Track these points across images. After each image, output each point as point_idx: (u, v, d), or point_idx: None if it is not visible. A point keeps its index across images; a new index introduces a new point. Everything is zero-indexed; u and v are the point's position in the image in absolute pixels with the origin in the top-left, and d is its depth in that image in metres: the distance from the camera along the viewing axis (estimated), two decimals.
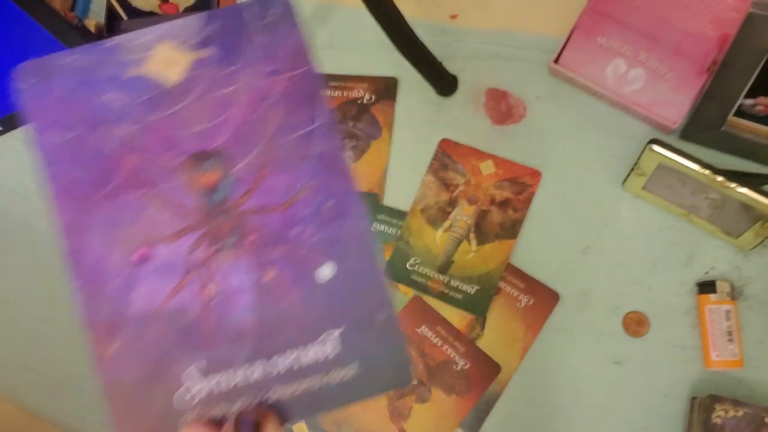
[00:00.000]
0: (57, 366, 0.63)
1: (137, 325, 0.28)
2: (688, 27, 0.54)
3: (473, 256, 0.57)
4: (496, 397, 0.55)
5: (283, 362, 0.28)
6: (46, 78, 0.29)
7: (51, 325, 0.64)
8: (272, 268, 0.28)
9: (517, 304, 0.56)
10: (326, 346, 0.28)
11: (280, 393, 0.28)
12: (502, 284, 0.56)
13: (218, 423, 0.27)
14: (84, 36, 0.63)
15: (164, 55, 0.29)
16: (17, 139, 0.67)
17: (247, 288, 0.28)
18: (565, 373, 0.55)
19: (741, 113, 0.52)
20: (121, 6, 0.66)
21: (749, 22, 0.51)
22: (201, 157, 0.28)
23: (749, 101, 0.52)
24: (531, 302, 0.56)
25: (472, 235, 0.57)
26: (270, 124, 0.29)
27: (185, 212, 0.28)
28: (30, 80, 0.29)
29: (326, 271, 0.28)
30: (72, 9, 0.68)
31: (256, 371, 0.28)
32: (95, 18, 0.68)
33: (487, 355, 0.55)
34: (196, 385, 0.27)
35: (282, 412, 0.27)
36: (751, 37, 0.50)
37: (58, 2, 0.67)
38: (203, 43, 0.29)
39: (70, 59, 0.29)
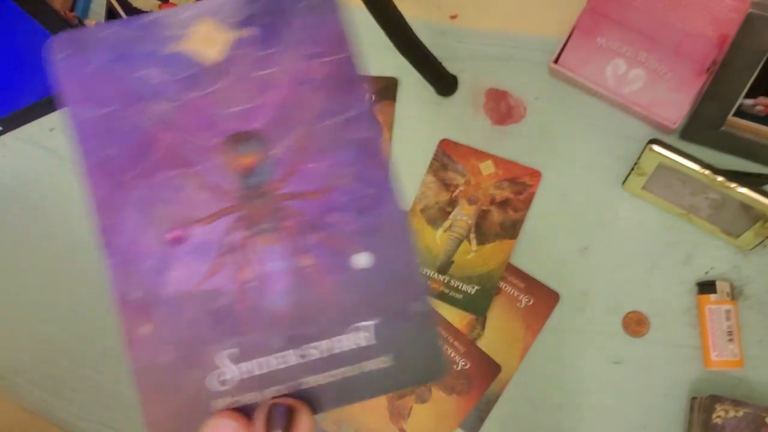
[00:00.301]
0: (57, 366, 0.63)
1: (171, 307, 0.27)
2: (687, 27, 0.54)
3: (473, 256, 0.57)
4: (497, 397, 0.55)
5: (316, 351, 0.27)
6: (81, 50, 0.28)
7: (51, 325, 0.64)
8: (308, 255, 0.28)
9: (518, 304, 0.56)
10: (360, 336, 0.27)
11: (312, 382, 0.27)
12: (502, 284, 0.56)
13: (247, 412, 0.27)
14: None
15: (204, 33, 0.28)
16: (17, 138, 0.67)
17: (282, 273, 0.27)
18: (565, 373, 0.55)
19: (741, 113, 0.52)
20: (121, 6, 0.66)
21: (749, 22, 0.51)
22: (239, 139, 0.28)
23: (749, 101, 0.52)
24: (531, 302, 0.56)
25: (472, 235, 0.57)
26: (309, 108, 0.28)
27: (222, 194, 0.28)
28: (64, 52, 0.28)
29: (363, 260, 0.28)
30: (72, 9, 0.68)
31: (289, 359, 0.27)
32: (95, 18, 0.68)
33: (488, 355, 0.55)
34: (228, 369, 0.27)
35: (314, 401, 0.27)
36: (750, 38, 0.51)
37: (59, 2, 0.67)
38: (244, 23, 0.28)
39: (108, 32, 0.28)
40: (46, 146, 0.66)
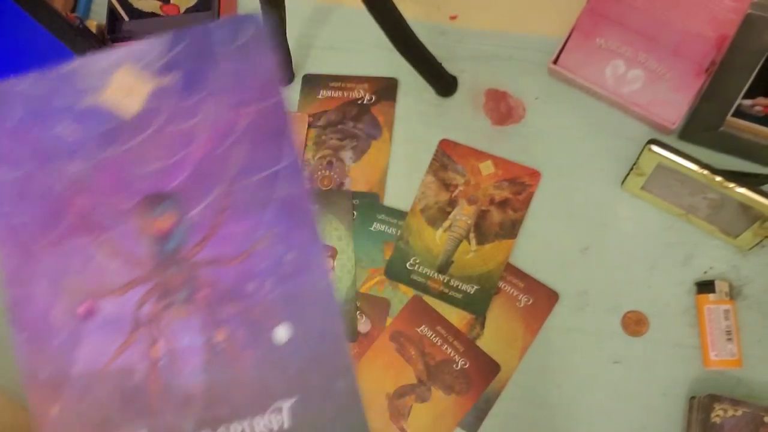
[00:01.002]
0: None
1: (81, 386, 0.25)
2: (686, 28, 0.55)
3: (473, 256, 0.57)
4: (496, 396, 0.55)
5: None
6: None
7: None
8: (224, 328, 0.25)
9: (517, 304, 0.56)
10: (276, 418, 0.25)
11: None
12: (501, 284, 0.56)
13: None
14: (85, 37, 0.63)
15: (123, 83, 0.26)
16: None
17: (196, 349, 0.25)
18: (565, 373, 0.55)
19: (739, 113, 0.52)
20: (123, 7, 0.66)
21: (748, 22, 0.51)
22: (155, 200, 0.26)
23: (748, 102, 0.52)
24: (530, 302, 0.56)
25: (471, 235, 0.57)
26: (232, 163, 0.26)
27: (135, 262, 0.26)
28: None
29: (282, 333, 0.26)
30: (73, 10, 0.69)
31: None
32: (97, 19, 0.68)
33: (487, 355, 0.55)
34: None
35: None
36: (749, 38, 0.51)
37: (60, 3, 0.67)
38: (167, 68, 0.26)
39: (21, 87, 0.26)
40: None
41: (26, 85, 0.26)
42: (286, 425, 0.25)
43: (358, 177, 0.61)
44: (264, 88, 0.26)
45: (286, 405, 0.25)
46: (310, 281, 0.26)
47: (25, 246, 0.26)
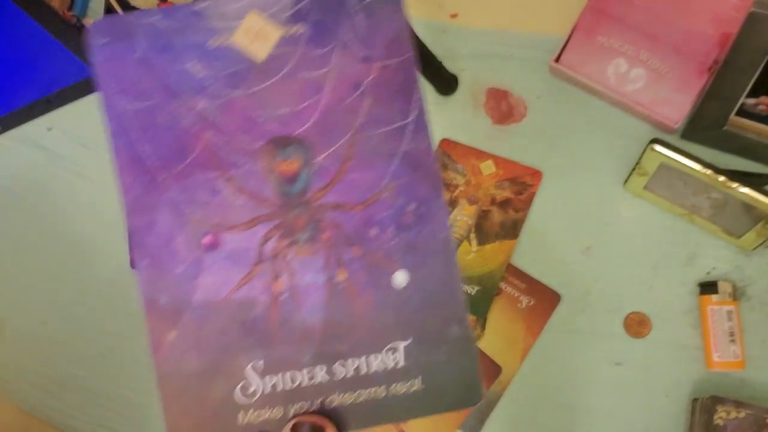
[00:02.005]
0: (57, 366, 0.63)
1: (200, 314, 0.26)
2: (689, 26, 0.54)
3: (474, 257, 0.57)
4: (497, 398, 0.55)
5: (345, 369, 0.26)
6: (123, 38, 0.26)
7: (51, 326, 0.64)
8: (345, 269, 0.27)
9: (518, 305, 0.55)
10: (392, 356, 0.26)
11: (339, 400, 0.26)
12: (502, 285, 0.56)
13: (272, 429, 0.26)
14: (83, 35, 0.62)
15: (254, 27, 0.26)
16: (14, 139, 0.66)
17: (317, 287, 0.27)
18: (567, 374, 0.54)
19: (743, 113, 0.52)
20: (120, 5, 0.66)
21: (751, 20, 0.50)
22: (282, 143, 0.27)
23: (751, 100, 0.51)
24: (532, 303, 0.55)
25: (472, 236, 0.57)
26: (359, 114, 0.27)
27: (261, 200, 0.27)
28: (105, 38, 0.26)
29: (401, 278, 0.27)
30: (70, 8, 0.68)
31: (317, 375, 0.26)
32: (94, 17, 0.68)
33: (488, 356, 0.55)
34: (254, 382, 0.26)
35: (340, 421, 0.26)
36: (752, 36, 0.50)
37: (57, 1, 0.66)
38: (296, 18, 0.27)
39: (153, 20, 0.26)
40: (43, 146, 0.66)
41: (157, 18, 0.26)
42: (400, 364, 0.26)
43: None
44: (394, 45, 0.27)
45: (402, 345, 0.26)
46: (429, 232, 0.27)
47: (149, 175, 0.26)
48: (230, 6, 0.27)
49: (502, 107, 0.60)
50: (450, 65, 0.60)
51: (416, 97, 0.27)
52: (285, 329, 0.26)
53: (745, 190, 0.49)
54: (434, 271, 0.27)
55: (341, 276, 0.27)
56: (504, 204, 0.57)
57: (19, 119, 0.66)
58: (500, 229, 0.57)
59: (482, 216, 0.57)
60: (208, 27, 0.27)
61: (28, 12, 0.59)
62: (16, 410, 0.63)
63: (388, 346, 0.26)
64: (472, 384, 0.27)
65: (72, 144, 0.65)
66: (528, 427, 0.55)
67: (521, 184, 0.57)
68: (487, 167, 0.58)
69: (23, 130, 0.66)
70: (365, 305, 0.26)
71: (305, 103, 0.27)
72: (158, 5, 0.66)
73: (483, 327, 0.56)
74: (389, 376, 0.26)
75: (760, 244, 0.52)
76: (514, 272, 0.56)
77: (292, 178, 0.27)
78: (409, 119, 0.27)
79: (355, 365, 0.26)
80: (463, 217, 0.57)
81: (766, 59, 0.50)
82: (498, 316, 0.56)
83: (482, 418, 0.55)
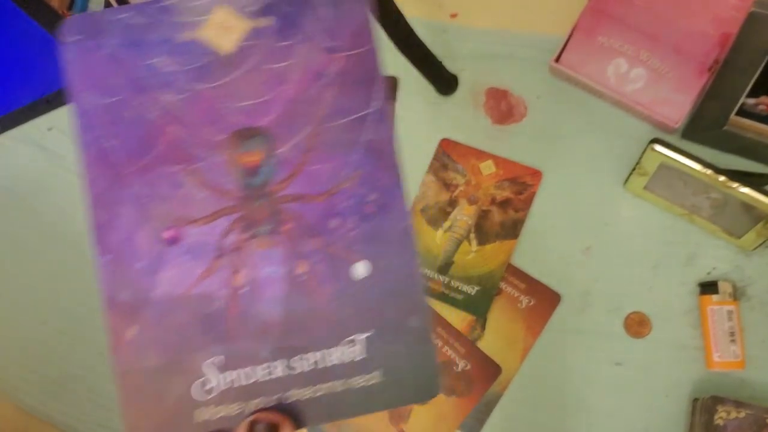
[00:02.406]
0: (56, 366, 0.63)
1: (160, 309, 0.26)
2: (689, 26, 0.54)
3: (474, 257, 0.57)
4: (497, 398, 0.55)
5: (305, 363, 0.26)
6: (92, 35, 0.27)
7: (50, 326, 0.63)
8: (306, 261, 0.26)
9: (518, 305, 0.55)
10: (351, 349, 0.26)
11: (298, 395, 0.26)
12: (502, 285, 0.56)
13: (229, 427, 0.26)
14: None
15: (221, 21, 0.27)
16: (14, 138, 0.66)
17: (277, 279, 0.26)
18: (567, 374, 0.54)
19: (743, 112, 0.52)
20: (119, 4, 0.66)
21: (751, 20, 0.50)
22: (245, 135, 0.27)
23: (751, 100, 0.51)
24: (532, 303, 0.55)
25: (472, 236, 0.57)
26: (322, 105, 0.27)
27: (223, 192, 0.27)
28: (75, 36, 0.27)
29: (361, 269, 0.26)
30: (70, 8, 0.68)
31: (276, 370, 0.26)
32: None
33: (488, 356, 0.55)
34: (213, 378, 0.26)
35: (299, 416, 0.26)
36: (752, 36, 0.50)
37: (57, 1, 0.66)
38: (262, 12, 0.27)
39: (121, 16, 0.27)
40: (43, 146, 0.66)
41: (125, 15, 0.27)
42: (359, 357, 0.26)
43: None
44: (357, 36, 0.27)
45: (361, 338, 0.26)
46: (390, 222, 0.27)
47: (115, 169, 0.26)
48: (197, 2, 0.27)
49: (502, 107, 0.60)
50: (450, 65, 0.59)
51: (378, 88, 0.27)
52: (244, 323, 0.26)
53: (745, 190, 0.49)
54: (395, 261, 0.27)
55: (301, 268, 0.27)
56: (504, 204, 0.57)
57: (19, 119, 0.66)
58: (500, 229, 0.57)
59: (482, 216, 0.57)
60: (177, 22, 0.27)
61: (28, 12, 0.59)
62: (15, 410, 0.63)
63: (347, 339, 0.26)
64: (430, 376, 0.27)
65: (72, 144, 0.65)
66: (528, 427, 0.55)
67: (521, 184, 0.57)
68: (487, 167, 0.58)
69: (23, 130, 0.66)
70: (325, 297, 0.26)
71: (269, 95, 0.27)
72: None
73: (483, 327, 0.56)
74: (348, 369, 0.26)
75: (760, 244, 0.52)
76: (514, 272, 0.56)
77: (253, 170, 0.27)
78: (371, 109, 0.27)
79: (314, 359, 0.26)
80: (463, 217, 0.57)
81: (766, 59, 0.50)
82: (498, 316, 0.56)
83: (482, 418, 0.54)
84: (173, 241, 0.26)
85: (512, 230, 0.57)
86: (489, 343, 0.55)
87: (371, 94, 0.27)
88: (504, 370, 0.54)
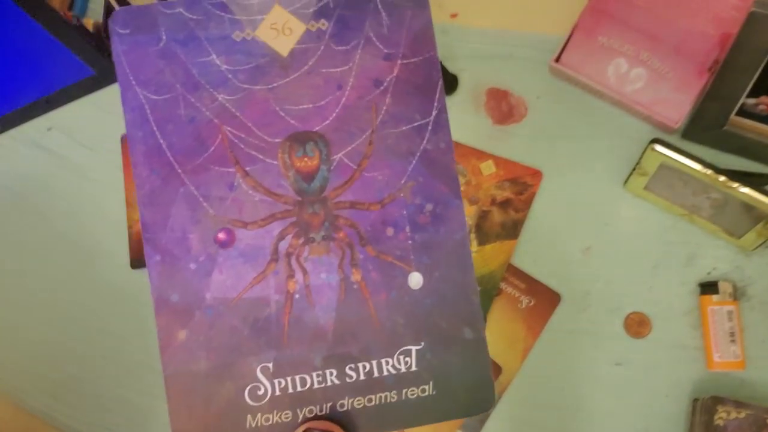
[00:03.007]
0: (57, 367, 0.63)
1: (212, 313, 0.26)
2: (689, 26, 0.54)
3: (474, 257, 0.57)
4: (498, 398, 0.55)
5: (357, 372, 0.26)
6: (147, 28, 0.26)
7: (51, 326, 0.63)
8: (360, 269, 0.26)
9: (518, 305, 0.55)
10: (404, 360, 0.26)
11: (350, 404, 0.26)
12: (503, 285, 0.56)
13: None
14: (82, 35, 0.62)
15: (278, 21, 0.26)
16: (14, 138, 0.66)
17: (331, 286, 0.26)
18: (567, 375, 0.54)
19: (743, 112, 0.52)
20: (120, 5, 0.66)
21: (751, 20, 0.50)
22: (301, 139, 0.26)
23: (751, 100, 0.51)
24: (532, 303, 0.55)
25: (472, 236, 0.57)
26: (379, 112, 0.26)
27: (277, 197, 0.26)
28: (127, 28, 0.26)
29: (416, 279, 0.26)
30: (70, 8, 0.68)
31: (328, 378, 0.26)
32: (93, 17, 0.68)
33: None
34: (264, 384, 0.26)
35: (350, 425, 0.26)
36: (753, 36, 0.50)
37: (57, 1, 0.66)
38: (320, 13, 0.26)
39: (176, 11, 0.26)
40: (43, 146, 0.66)
41: (178, 9, 0.26)
42: (412, 368, 0.26)
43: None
44: (417, 43, 0.26)
45: (415, 348, 0.26)
46: (446, 233, 0.26)
47: (168, 167, 0.26)
48: (256, 0, 0.27)
49: (502, 107, 0.60)
50: (450, 65, 0.59)
51: (438, 96, 0.27)
52: (297, 330, 0.26)
53: (746, 190, 0.49)
54: (449, 272, 0.26)
55: (356, 276, 0.26)
56: (504, 204, 0.57)
57: (19, 119, 0.66)
58: (500, 229, 0.57)
59: (482, 216, 0.57)
60: (231, 20, 0.26)
61: (28, 12, 0.59)
62: (16, 411, 0.63)
63: (400, 350, 0.26)
64: (484, 389, 0.26)
65: (72, 144, 0.65)
66: (528, 427, 0.55)
67: (521, 184, 0.57)
68: (487, 167, 0.58)
69: (23, 129, 0.66)
70: (379, 306, 0.26)
71: (326, 100, 0.26)
72: None
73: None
74: (401, 380, 0.26)
75: (761, 244, 0.52)
76: (514, 272, 0.56)
77: (309, 176, 0.26)
78: (430, 118, 0.27)
79: (366, 369, 0.26)
80: None
81: (766, 59, 0.50)
82: (498, 316, 0.56)
83: (482, 418, 0.55)
84: (226, 244, 0.26)
85: (512, 230, 0.57)
86: (489, 344, 0.55)
87: (431, 103, 0.27)
88: (504, 370, 0.55)
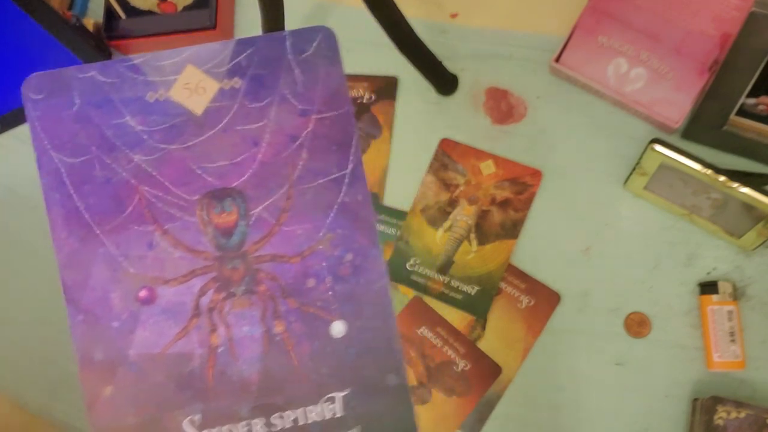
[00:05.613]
0: (56, 365, 0.63)
1: (136, 369, 0.26)
2: (689, 26, 0.54)
3: (474, 257, 0.57)
4: (497, 398, 0.55)
5: (284, 420, 0.26)
6: (61, 92, 0.26)
7: (51, 325, 0.63)
8: (282, 321, 0.26)
9: (518, 305, 0.55)
10: (329, 407, 0.26)
11: None
12: (502, 285, 0.56)
13: None
14: (82, 35, 0.62)
15: (191, 81, 0.27)
16: (15, 138, 0.66)
17: (254, 339, 0.26)
18: (567, 374, 0.54)
19: (743, 112, 0.52)
20: (120, 5, 0.66)
21: (751, 21, 0.50)
22: (219, 196, 0.26)
23: (751, 100, 0.51)
24: (532, 303, 0.55)
25: (472, 236, 0.57)
26: (296, 166, 0.27)
27: (197, 253, 0.26)
28: (42, 92, 0.26)
29: (338, 329, 0.27)
30: (70, 8, 0.68)
31: (256, 427, 0.26)
32: (93, 17, 0.68)
33: (488, 356, 0.55)
34: None
35: None
36: (752, 36, 0.50)
37: (57, 1, 0.66)
38: (233, 72, 0.27)
39: (90, 74, 0.26)
40: None
41: (92, 72, 0.26)
42: (338, 415, 0.26)
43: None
44: (332, 99, 0.27)
45: (339, 396, 0.26)
46: (367, 282, 0.27)
47: (85, 230, 0.26)
48: (167, 60, 0.27)
49: (502, 107, 0.60)
50: (450, 65, 0.59)
51: (354, 150, 0.27)
52: (222, 382, 0.26)
53: (746, 190, 0.49)
54: (371, 321, 0.27)
55: (278, 328, 0.27)
56: (504, 204, 0.57)
57: (19, 119, 0.66)
58: (500, 229, 0.57)
59: (482, 216, 0.57)
60: (145, 81, 0.27)
61: (28, 12, 0.59)
62: (14, 408, 0.63)
63: (325, 397, 0.26)
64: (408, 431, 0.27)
65: None
66: (528, 428, 0.55)
67: (521, 184, 0.57)
68: (487, 167, 0.58)
69: (23, 129, 0.66)
70: (302, 357, 0.26)
71: (242, 156, 0.27)
72: (158, 5, 0.66)
73: (483, 327, 0.56)
74: (327, 426, 0.26)
75: (760, 244, 0.52)
76: (514, 272, 0.56)
77: (228, 231, 0.27)
78: (347, 170, 0.27)
79: (293, 417, 0.26)
80: (462, 216, 0.57)
81: (766, 59, 0.50)
82: (498, 316, 0.56)
83: (482, 418, 0.54)
84: (148, 301, 0.26)
85: (512, 230, 0.57)
86: (489, 343, 0.55)
87: (346, 156, 0.27)
88: (504, 370, 0.54)
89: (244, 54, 0.27)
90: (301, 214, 0.27)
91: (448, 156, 0.59)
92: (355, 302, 0.27)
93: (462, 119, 0.60)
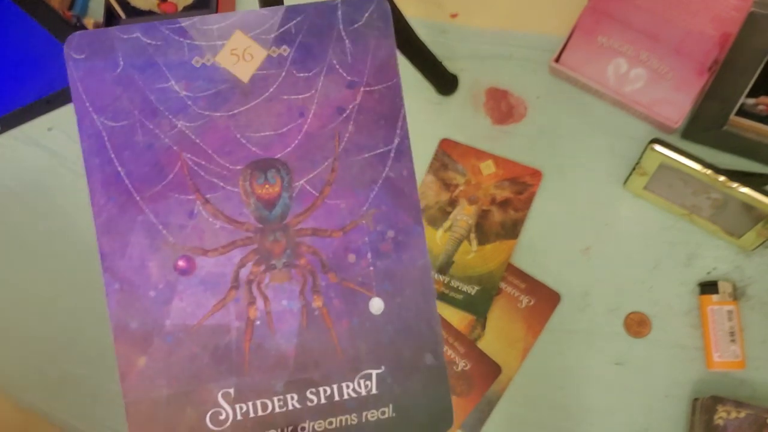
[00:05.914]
0: (56, 365, 0.63)
1: (172, 340, 0.25)
2: (689, 26, 0.54)
3: (474, 257, 0.57)
4: (497, 398, 0.55)
5: (317, 397, 0.26)
6: (104, 53, 0.25)
7: (51, 325, 0.63)
8: (322, 295, 0.26)
9: (518, 305, 0.55)
10: (364, 384, 0.26)
11: (311, 427, 0.26)
12: (502, 284, 0.56)
13: None
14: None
15: (240, 47, 0.26)
16: (15, 138, 0.66)
17: (292, 313, 0.26)
18: (567, 374, 0.54)
19: (743, 113, 0.52)
20: (120, 5, 0.66)
21: (751, 21, 0.50)
22: (262, 166, 0.26)
23: (751, 100, 0.51)
24: (532, 303, 0.55)
25: (472, 235, 0.57)
26: (342, 139, 0.26)
27: (238, 224, 0.26)
28: (84, 52, 0.25)
29: (377, 306, 0.26)
30: (70, 8, 0.68)
31: (289, 403, 0.26)
32: (94, 17, 0.68)
33: (488, 356, 0.55)
34: (225, 409, 0.26)
35: None
36: (752, 36, 0.50)
37: (57, 1, 0.66)
38: (282, 40, 0.26)
39: (135, 35, 0.25)
40: (44, 146, 0.66)
41: (136, 34, 0.26)
42: (373, 392, 0.26)
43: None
44: (381, 72, 0.26)
45: (375, 373, 0.26)
46: (408, 260, 0.26)
47: (124, 197, 0.25)
48: (215, 25, 0.26)
49: (502, 107, 0.60)
50: (450, 65, 0.59)
51: (401, 124, 0.27)
52: (258, 357, 0.26)
53: (745, 190, 0.49)
54: (411, 299, 0.26)
55: (317, 302, 0.26)
56: (504, 204, 0.57)
57: (19, 119, 0.66)
58: (500, 229, 0.57)
59: (482, 216, 0.57)
60: (191, 45, 0.26)
61: (28, 12, 0.59)
62: (14, 408, 0.63)
63: (360, 374, 0.26)
64: (443, 413, 0.26)
65: (72, 144, 0.65)
66: (528, 427, 0.55)
67: (521, 184, 0.57)
68: (487, 167, 0.58)
69: (23, 129, 0.66)
70: (341, 332, 0.26)
71: (288, 127, 0.26)
72: (159, 5, 0.66)
73: (483, 327, 0.56)
74: (361, 403, 0.26)
75: (760, 244, 0.52)
76: (514, 272, 0.56)
77: (271, 203, 0.26)
78: (393, 145, 0.26)
79: (327, 393, 0.26)
80: (463, 216, 0.57)
81: (766, 59, 0.50)
82: (498, 316, 0.56)
83: (482, 418, 0.54)
84: (186, 271, 0.26)
85: (512, 230, 0.57)
86: (489, 343, 0.55)
87: (393, 130, 0.26)
88: (504, 370, 0.54)
89: (294, 21, 0.26)
90: (345, 188, 0.26)
91: (448, 156, 0.59)
92: (396, 279, 0.26)
93: (462, 119, 0.60)
